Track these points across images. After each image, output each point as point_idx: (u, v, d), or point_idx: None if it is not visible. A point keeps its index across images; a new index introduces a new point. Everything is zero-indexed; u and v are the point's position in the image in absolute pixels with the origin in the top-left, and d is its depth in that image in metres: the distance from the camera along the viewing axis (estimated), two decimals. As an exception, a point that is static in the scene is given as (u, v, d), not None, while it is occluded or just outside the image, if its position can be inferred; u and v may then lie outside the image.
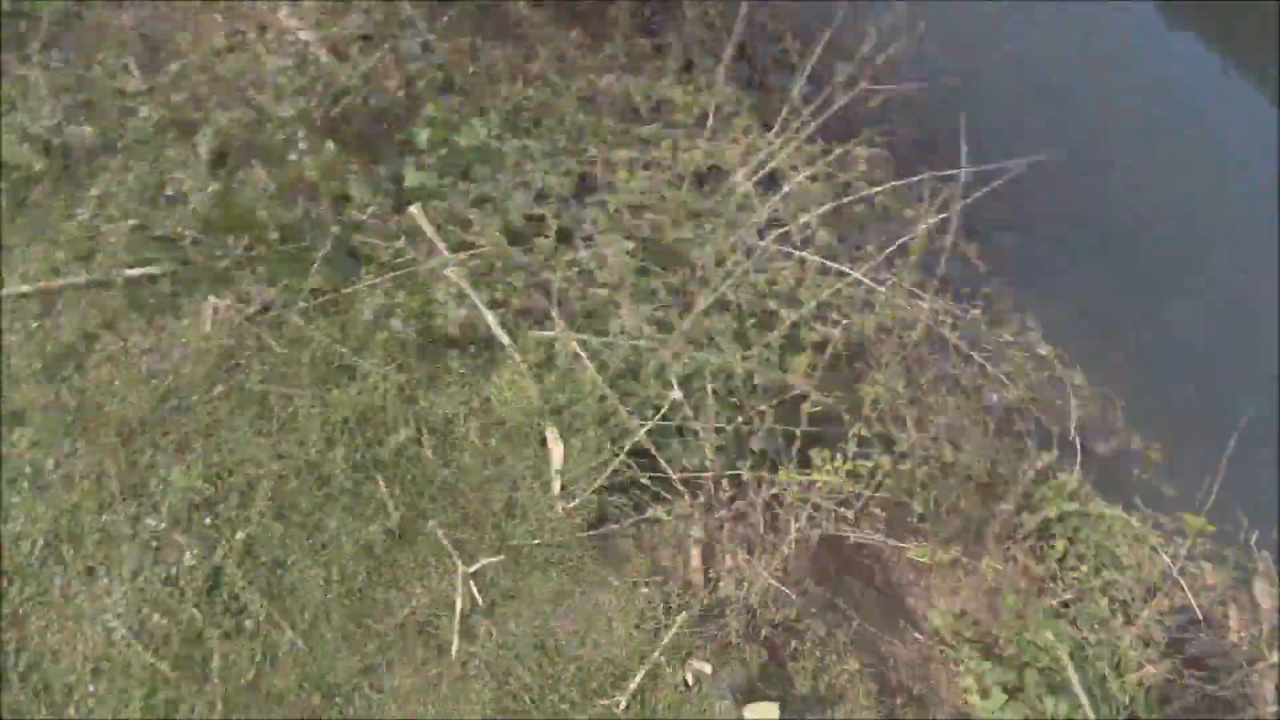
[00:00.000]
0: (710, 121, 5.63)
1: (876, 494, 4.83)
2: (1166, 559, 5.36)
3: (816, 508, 4.45)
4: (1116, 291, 7.36)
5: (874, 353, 5.00)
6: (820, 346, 4.68)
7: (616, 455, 4.20)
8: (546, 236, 4.62)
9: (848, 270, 4.83)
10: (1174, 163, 8.41)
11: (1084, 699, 4.56)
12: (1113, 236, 7.73)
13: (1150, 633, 4.98)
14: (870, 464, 4.41)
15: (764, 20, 6.98)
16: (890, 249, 5.09)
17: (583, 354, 4.35)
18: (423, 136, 4.85)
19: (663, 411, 4.23)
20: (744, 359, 4.39)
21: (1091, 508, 5.67)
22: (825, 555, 4.69)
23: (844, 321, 4.86)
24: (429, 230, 4.48)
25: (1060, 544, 5.65)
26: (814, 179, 5.50)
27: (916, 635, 4.83)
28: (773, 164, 5.18)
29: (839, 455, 4.30)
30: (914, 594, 5.11)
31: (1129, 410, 5.73)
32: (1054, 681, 4.67)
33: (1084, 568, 5.50)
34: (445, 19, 5.56)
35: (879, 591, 5.04)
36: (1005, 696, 4.53)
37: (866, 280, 4.92)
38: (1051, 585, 5.44)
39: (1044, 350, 5.81)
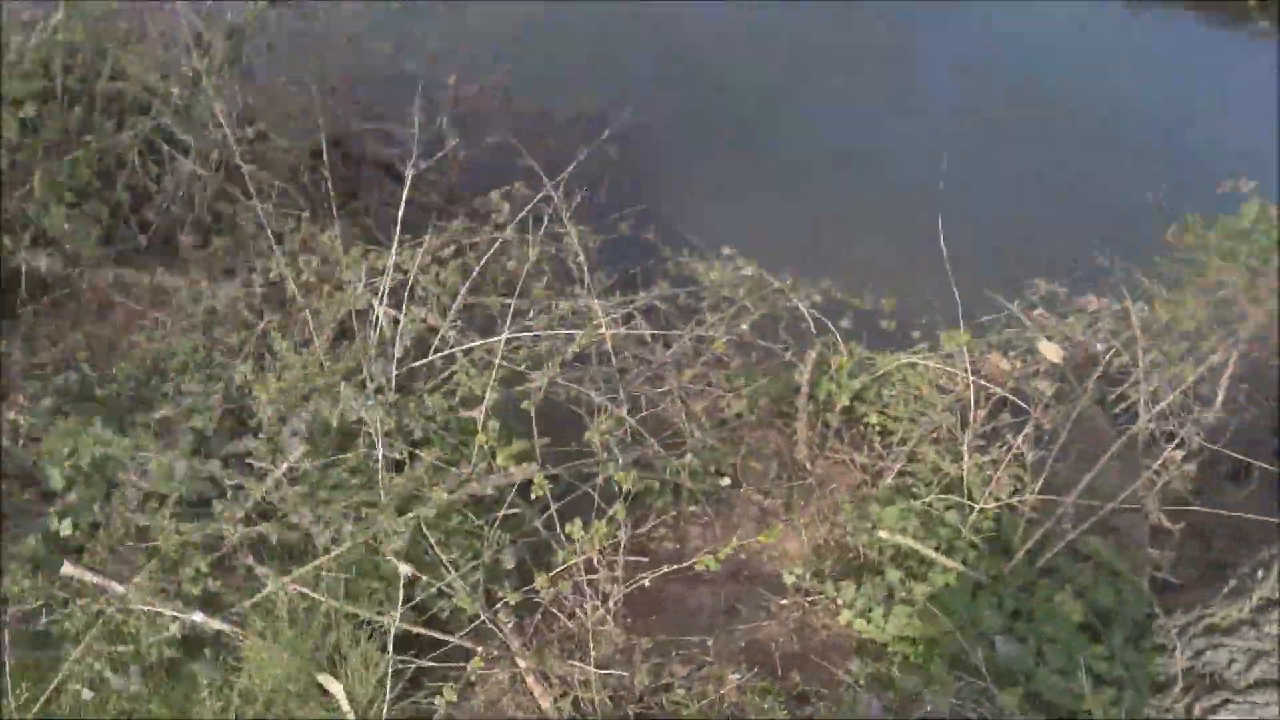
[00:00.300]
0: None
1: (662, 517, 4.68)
2: (961, 372, 5.27)
3: (612, 566, 4.24)
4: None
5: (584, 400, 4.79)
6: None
7: (389, 658, 3.91)
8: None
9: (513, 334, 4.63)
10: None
11: (944, 561, 4.40)
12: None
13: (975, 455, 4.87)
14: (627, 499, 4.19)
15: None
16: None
17: (306, 590, 4.05)
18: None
19: (404, 595, 3.96)
20: (452, 492, 4.14)
21: (879, 364, 5.55)
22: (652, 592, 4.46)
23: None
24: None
25: (873, 417, 5.52)
26: (441, 263, 5.30)
27: (782, 602, 4.61)
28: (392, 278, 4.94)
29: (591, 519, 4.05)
30: (766, 564, 4.90)
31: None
32: (916, 568, 4.51)
33: (901, 425, 5.38)
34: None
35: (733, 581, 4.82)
36: (881, 606, 4.34)
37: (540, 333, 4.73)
38: (882, 462, 5.30)
39: (749, 269, 5.69)
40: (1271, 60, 9.69)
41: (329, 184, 7.32)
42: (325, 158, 7.38)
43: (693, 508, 5.01)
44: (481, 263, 5.09)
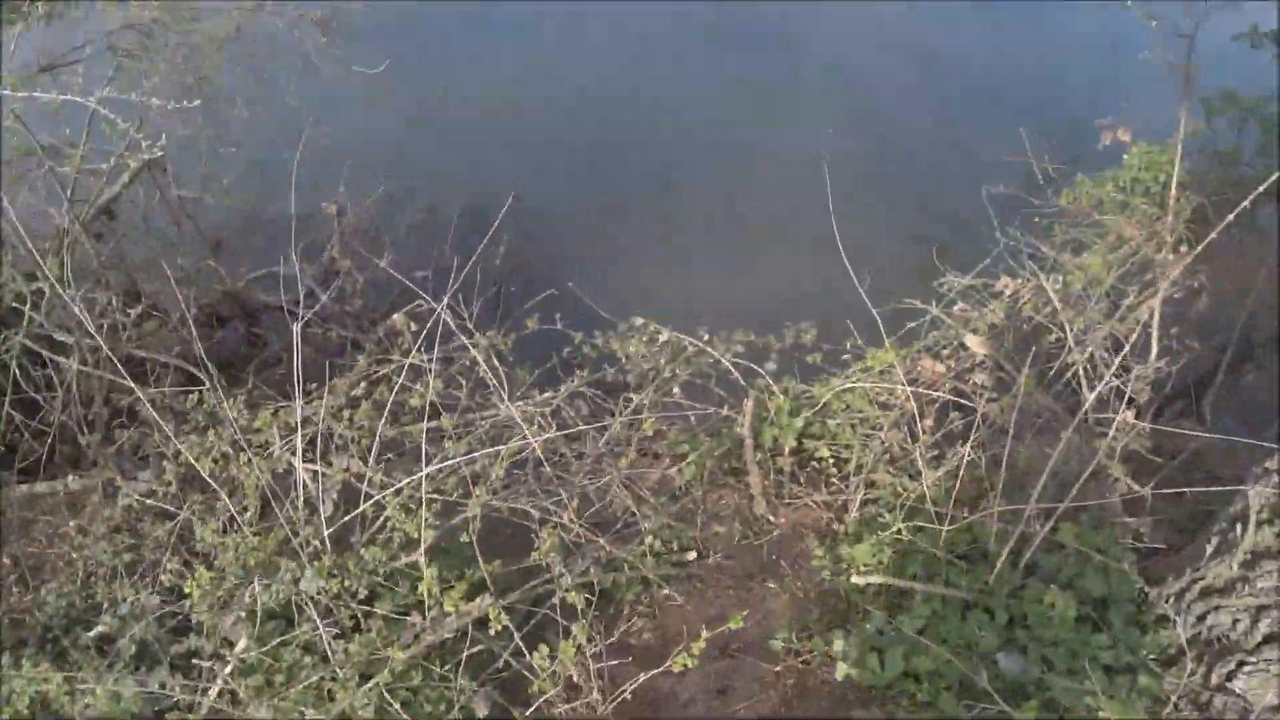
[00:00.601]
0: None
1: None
2: (900, 388, 5.11)
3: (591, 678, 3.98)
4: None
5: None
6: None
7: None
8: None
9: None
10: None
11: (926, 589, 4.20)
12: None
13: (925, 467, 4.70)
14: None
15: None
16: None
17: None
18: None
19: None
20: (408, 648, 3.86)
21: (818, 395, 5.38)
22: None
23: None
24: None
25: (823, 450, 5.35)
26: (356, 404, 5.05)
27: (775, 669, 4.37)
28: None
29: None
30: (752, 630, 4.65)
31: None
32: (901, 601, 4.31)
33: (853, 453, 5.20)
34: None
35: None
36: (871, 651, 4.11)
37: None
38: (843, 495, 5.11)
39: (664, 335, 5.52)
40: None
41: (237, 344, 7.13)
42: (220, 319, 7.19)
43: (665, 591, 4.76)
44: (393, 394, 4.84)
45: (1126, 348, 4.84)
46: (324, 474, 4.55)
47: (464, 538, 4.11)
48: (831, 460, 5.32)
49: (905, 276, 6.03)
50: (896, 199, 7.79)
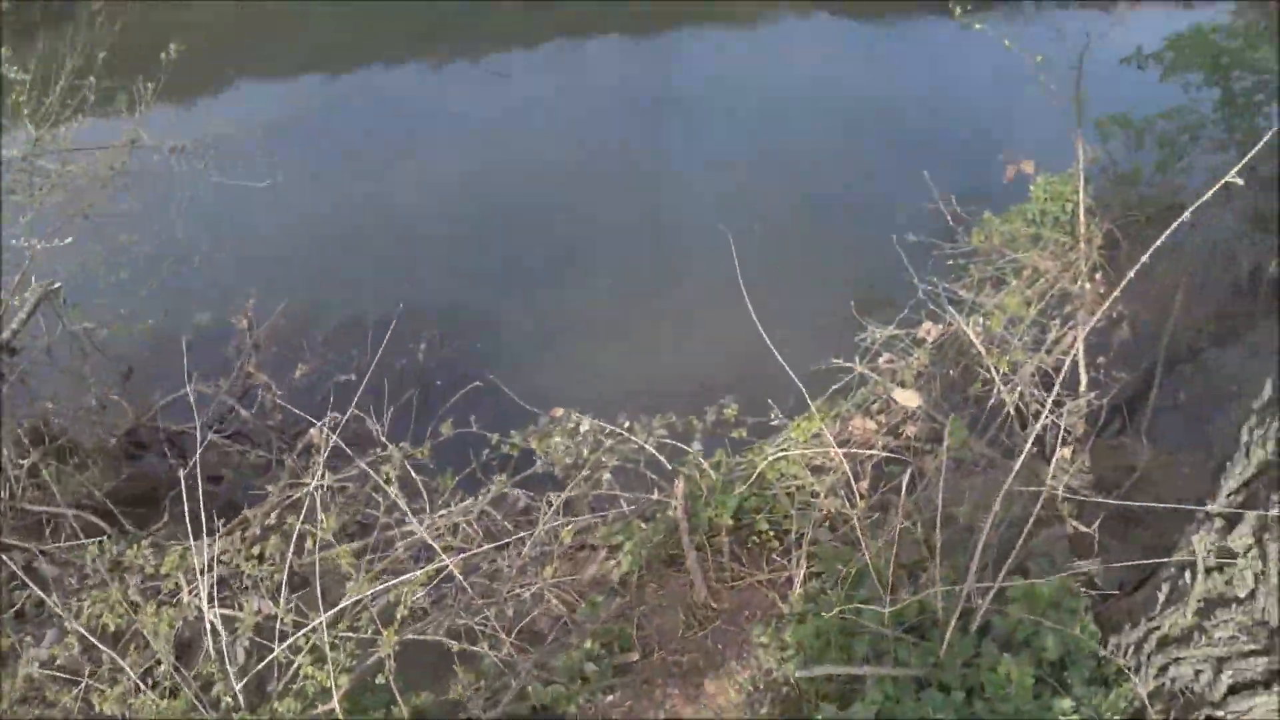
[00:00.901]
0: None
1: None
2: (835, 454, 4.85)
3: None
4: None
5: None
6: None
7: None
8: None
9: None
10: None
11: (875, 672, 3.89)
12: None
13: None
14: None
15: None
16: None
17: None
18: None
19: None
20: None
21: (750, 465, 5.12)
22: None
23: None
24: None
25: (761, 524, 5.06)
26: (269, 535, 4.71)
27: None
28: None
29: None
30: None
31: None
32: (852, 688, 4.00)
33: (792, 523, 4.92)
34: None
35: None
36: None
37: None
38: (786, 570, 4.81)
39: (585, 425, 5.23)
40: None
41: (159, 473, 6.75)
42: (140, 446, 6.80)
43: (609, 698, 4.42)
44: (301, 519, 4.50)
45: (1057, 383, 4.63)
46: (235, 620, 4.19)
47: (379, 679, 3.76)
48: (772, 533, 5.03)
49: (834, 333, 5.83)
50: (815, 254, 7.61)
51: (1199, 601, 3.29)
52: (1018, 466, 4.16)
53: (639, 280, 7.58)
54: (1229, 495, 3.12)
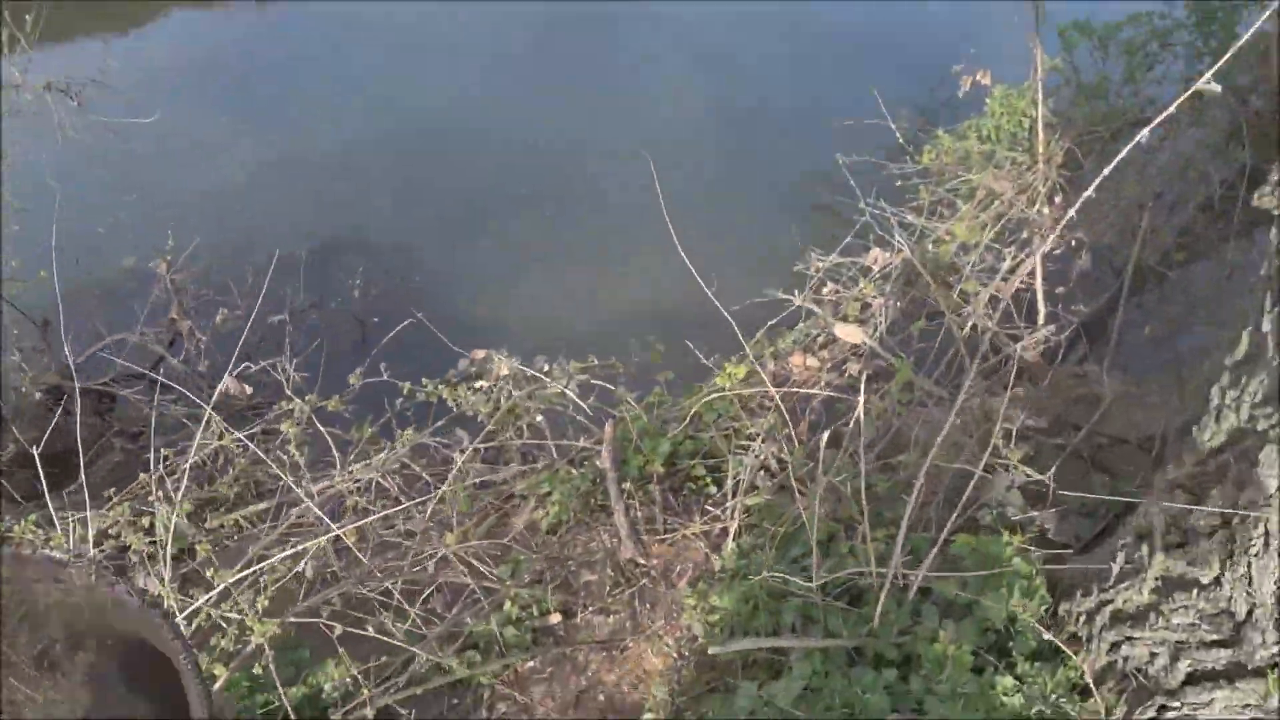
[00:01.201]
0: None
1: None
2: (772, 391, 4.28)
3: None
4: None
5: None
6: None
7: None
8: None
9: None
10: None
11: (801, 644, 3.40)
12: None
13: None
14: None
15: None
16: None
17: None
18: None
19: None
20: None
21: (684, 408, 4.57)
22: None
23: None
24: None
25: (698, 469, 4.53)
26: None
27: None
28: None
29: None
30: (628, 694, 3.85)
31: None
32: (774, 655, 3.50)
33: (729, 466, 4.39)
34: None
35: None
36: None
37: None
38: (719, 522, 4.30)
39: (504, 369, 4.65)
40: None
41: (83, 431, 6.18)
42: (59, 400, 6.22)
43: (530, 663, 3.94)
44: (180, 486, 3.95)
45: (1010, 312, 4.06)
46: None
47: (256, 668, 3.26)
48: (709, 479, 4.50)
49: (780, 262, 5.19)
50: (754, 176, 6.89)
51: (1156, 580, 2.76)
52: (958, 404, 3.61)
53: (576, 210, 6.89)
54: (1196, 464, 2.56)
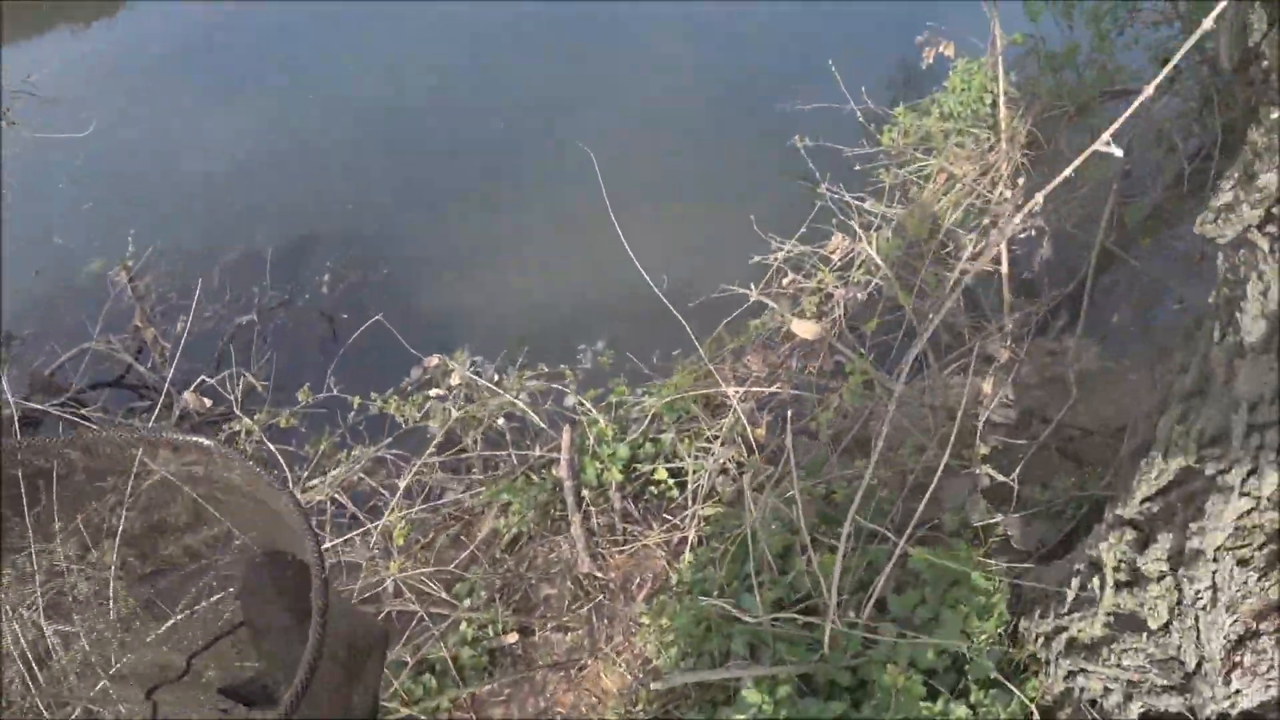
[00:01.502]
0: None
1: None
2: (732, 399, 4.07)
3: None
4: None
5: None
6: None
7: None
8: None
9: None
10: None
11: (749, 674, 3.20)
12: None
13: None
14: None
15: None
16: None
17: None
18: None
19: None
20: None
21: (644, 411, 4.36)
22: None
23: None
24: None
25: (660, 472, 4.32)
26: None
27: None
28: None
29: None
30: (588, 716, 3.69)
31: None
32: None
33: (691, 465, 4.19)
34: None
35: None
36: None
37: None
38: (678, 531, 4.10)
39: (455, 378, 4.43)
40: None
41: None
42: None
43: (487, 686, 3.78)
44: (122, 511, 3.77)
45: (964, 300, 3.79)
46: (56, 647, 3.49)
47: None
48: (672, 481, 4.29)
49: (742, 249, 4.91)
50: (709, 162, 6.50)
51: (1108, 614, 2.54)
52: (896, 392, 3.38)
53: (548, 197, 6.57)
54: (1143, 501, 2.32)
